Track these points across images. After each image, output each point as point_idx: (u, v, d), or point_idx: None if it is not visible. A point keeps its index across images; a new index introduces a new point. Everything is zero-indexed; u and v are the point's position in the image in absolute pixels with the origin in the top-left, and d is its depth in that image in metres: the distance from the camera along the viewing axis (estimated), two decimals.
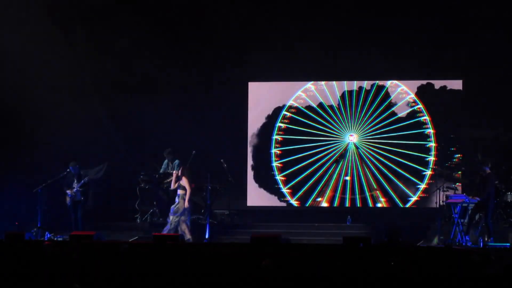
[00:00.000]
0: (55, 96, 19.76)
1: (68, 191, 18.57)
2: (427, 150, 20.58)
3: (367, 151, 20.89)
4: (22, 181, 19.47)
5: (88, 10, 20.32)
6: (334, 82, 21.25)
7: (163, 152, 20.04)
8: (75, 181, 18.74)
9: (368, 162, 20.84)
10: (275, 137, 21.35)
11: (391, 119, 20.83)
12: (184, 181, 17.61)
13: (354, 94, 21.08)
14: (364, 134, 20.93)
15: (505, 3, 19.29)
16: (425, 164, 20.37)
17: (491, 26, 19.27)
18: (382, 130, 20.84)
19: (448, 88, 20.64)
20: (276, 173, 21.27)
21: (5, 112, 19.88)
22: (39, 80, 19.51)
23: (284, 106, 21.36)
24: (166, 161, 20.05)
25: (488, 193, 16.29)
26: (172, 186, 17.90)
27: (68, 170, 18.95)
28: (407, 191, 20.54)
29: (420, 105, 20.69)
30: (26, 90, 19.44)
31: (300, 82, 21.35)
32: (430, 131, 20.58)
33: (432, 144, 20.55)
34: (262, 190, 21.31)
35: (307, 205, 21.03)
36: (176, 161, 19.84)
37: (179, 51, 20.66)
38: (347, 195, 20.83)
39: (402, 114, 20.79)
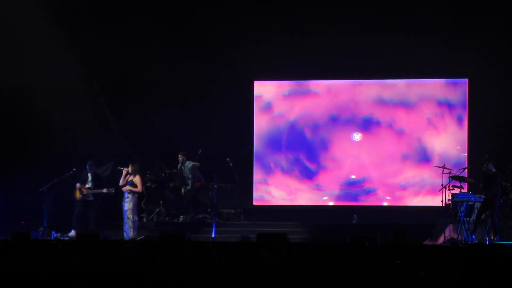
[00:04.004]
0: (62, 96, 19.79)
1: (78, 185, 18.60)
2: (433, 149, 20.56)
3: (373, 150, 20.87)
4: (28, 180, 19.51)
5: (93, 10, 20.39)
6: (340, 81, 21.25)
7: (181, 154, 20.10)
8: (90, 180, 18.76)
9: (373, 160, 20.83)
10: (281, 135, 21.33)
11: (397, 118, 20.81)
12: (137, 179, 17.77)
13: (361, 93, 21.06)
14: (371, 133, 20.91)
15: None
16: (431, 161, 20.35)
17: (497, 25, 19.26)
18: (388, 128, 20.82)
19: (453, 87, 20.64)
20: (282, 171, 21.26)
21: (12, 111, 19.92)
22: (46, 80, 19.53)
23: (289, 104, 21.35)
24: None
25: (494, 191, 16.28)
26: (121, 182, 17.99)
27: (74, 169, 18.98)
28: (412, 189, 20.53)
29: (426, 104, 20.67)
30: (33, 90, 19.48)
31: (305, 81, 21.35)
32: (436, 129, 20.56)
33: (438, 143, 20.54)
34: (268, 188, 21.32)
35: (313, 204, 21.03)
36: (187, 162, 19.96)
37: (183, 50, 20.67)
38: (353, 194, 20.83)
39: (408, 112, 20.77)
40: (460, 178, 17.22)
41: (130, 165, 18.03)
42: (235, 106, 21.15)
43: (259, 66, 20.90)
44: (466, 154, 20.27)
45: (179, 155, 20.04)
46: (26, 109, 19.75)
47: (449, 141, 20.52)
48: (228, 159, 19.69)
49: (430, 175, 20.33)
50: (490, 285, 6.64)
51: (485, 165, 16.51)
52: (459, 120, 20.48)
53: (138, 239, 17.43)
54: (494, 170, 16.47)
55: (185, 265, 9.95)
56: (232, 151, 20.27)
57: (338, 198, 20.89)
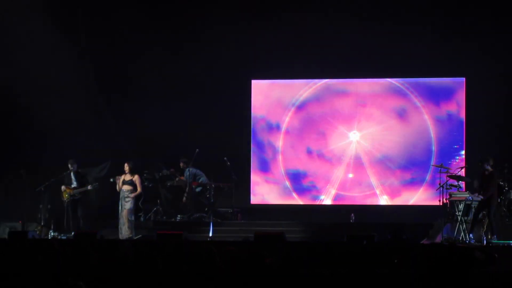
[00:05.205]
0: (59, 95, 19.78)
1: (63, 187, 18.60)
2: (430, 147, 20.57)
3: (370, 149, 20.87)
4: (26, 179, 19.49)
5: (90, 9, 20.40)
6: (337, 80, 21.25)
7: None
8: (74, 179, 18.74)
9: (371, 159, 20.83)
10: (278, 135, 21.33)
11: (394, 117, 20.81)
12: (137, 179, 17.78)
13: (358, 92, 21.05)
14: (368, 132, 20.92)
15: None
16: (428, 161, 20.36)
17: (495, 23, 19.27)
18: (385, 127, 20.83)
19: (451, 86, 20.64)
20: (280, 170, 21.26)
21: (9, 111, 19.91)
22: (43, 79, 19.52)
23: (287, 103, 21.35)
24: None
25: (491, 191, 16.27)
26: (118, 188, 17.97)
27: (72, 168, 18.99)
28: (410, 188, 20.54)
29: (423, 103, 20.68)
30: (30, 89, 19.46)
31: (302, 80, 21.35)
32: (433, 128, 20.57)
33: (435, 142, 20.55)
34: (265, 188, 21.32)
35: (310, 203, 21.03)
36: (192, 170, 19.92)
37: (181, 49, 20.66)
38: (351, 193, 20.83)
39: (405, 111, 20.77)
40: (457, 178, 17.22)
41: (126, 164, 18.03)
42: (233, 105, 21.12)
43: (257, 65, 20.90)
44: (463, 153, 20.28)
45: (180, 162, 20.06)
46: (23, 108, 19.72)
47: (447, 140, 20.51)
48: (225, 158, 19.67)
49: (427, 174, 20.32)
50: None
51: (482, 165, 16.50)
52: (457, 118, 20.47)
53: (135, 238, 17.43)
54: (491, 169, 16.47)
55: (183, 264, 9.94)
56: (229, 150, 20.25)
57: (335, 196, 20.87)
